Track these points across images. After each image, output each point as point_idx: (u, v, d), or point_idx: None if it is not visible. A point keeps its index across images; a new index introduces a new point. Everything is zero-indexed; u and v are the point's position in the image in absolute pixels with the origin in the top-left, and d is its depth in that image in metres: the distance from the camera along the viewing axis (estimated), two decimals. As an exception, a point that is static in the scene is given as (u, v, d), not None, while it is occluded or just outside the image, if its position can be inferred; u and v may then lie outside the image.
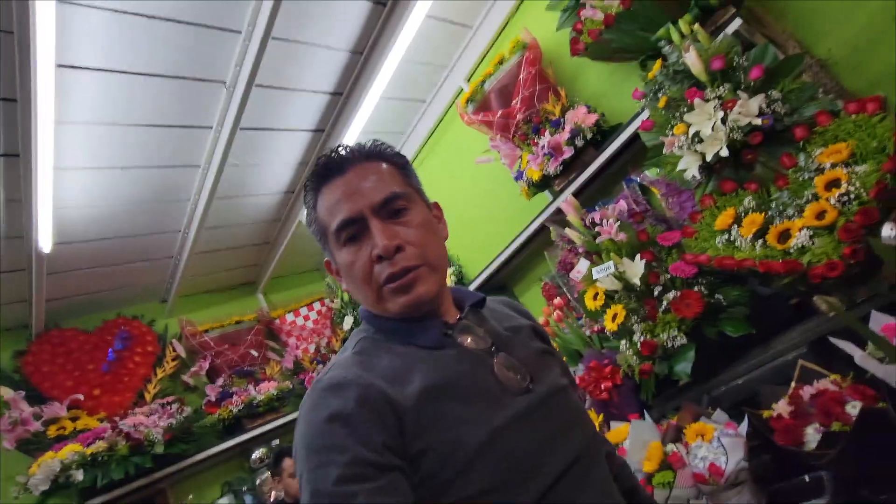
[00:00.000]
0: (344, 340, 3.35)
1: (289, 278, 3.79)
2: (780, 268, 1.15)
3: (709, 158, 1.38)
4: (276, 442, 3.03)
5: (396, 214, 0.72)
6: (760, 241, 1.26)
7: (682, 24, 1.49)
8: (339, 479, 0.55)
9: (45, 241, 2.17)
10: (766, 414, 1.17)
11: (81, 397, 2.60)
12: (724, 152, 1.35)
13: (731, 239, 1.33)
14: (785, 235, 1.22)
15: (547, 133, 2.01)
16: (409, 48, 2.22)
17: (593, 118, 1.93)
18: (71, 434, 2.43)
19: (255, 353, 3.26)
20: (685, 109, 1.43)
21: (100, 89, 1.85)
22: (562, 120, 1.98)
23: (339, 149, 0.75)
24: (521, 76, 2.08)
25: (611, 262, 1.58)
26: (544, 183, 2.07)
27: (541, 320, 2.10)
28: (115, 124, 2.01)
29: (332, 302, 3.53)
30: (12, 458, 2.38)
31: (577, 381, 1.62)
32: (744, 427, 1.25)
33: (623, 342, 1.58)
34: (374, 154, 0.76)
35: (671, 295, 1.48)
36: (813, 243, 1.15)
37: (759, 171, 1.39)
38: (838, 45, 1.49)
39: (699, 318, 1.42)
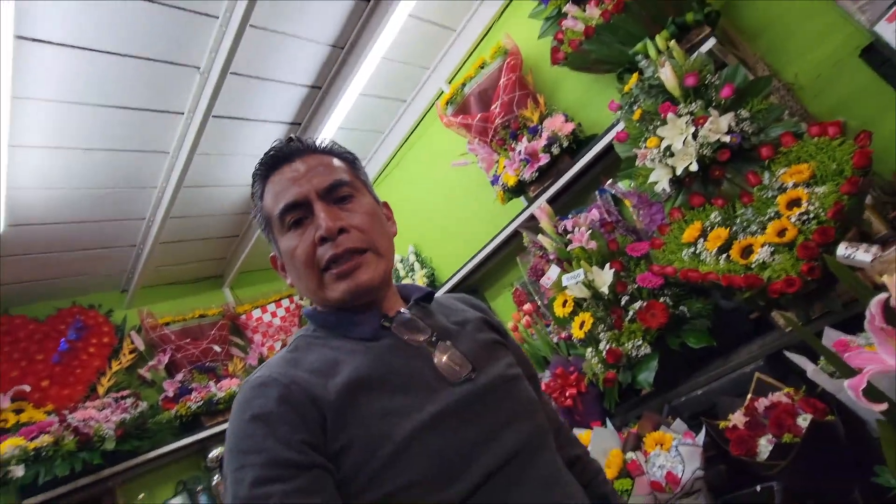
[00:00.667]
0: (311, 339, 3.30)
1: (257, 273, 3.69)
2: (742, 282, 1.18)
3: (679, 172, 1.41)
4: (235, 441, 2.94)
5: (342, 201, 0.72)
6: (724, 256, 1.29)
7: (660, 39, 1.53)
8: (256, 482, 0.55)
9: (-4, 221, 2.06)
10: (722, 424, 1.19)
11: (28, 388, 2.47)
12: (694, 167, 1.38)
13: (697, 252, 1.36)
14: (748, 251, 1.25)
15: (524, 139, 2.02)
16: (392, 46, 2.20)
17: (570, 127, 1.95)
18: (13, 427, 2.30)
19: (217, 348, 3.16)
20: (658, 123, 1.46)
21: (63, 66, 1.77)
22: (539, 127, 2.00)
23: (290, 140, 0.76)
24: (502, 81, 2.09)
25: (581, 270, 1.60)
26: (519, 189, 2.08)
27: (510, 325, 2.11)
28: (78, 103, 1.92)
29: (301, 299, 3.47)
30: (-52, 451, 2.25)
31: (543, 387, 1.63)
32: (701, 437, 1.28)
33: (589, 350, 1.59)
34: (324, 149, 0.77)
35: (637, 305, 1.50)
36: (773, 259, 1.19)
37: (726, 187, 1.43)
38: (804, 71, 1.55)
39: (663, 329, 1.45)
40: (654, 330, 1.45)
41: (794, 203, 1.21)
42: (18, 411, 2.37)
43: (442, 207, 2.77)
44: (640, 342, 1.47)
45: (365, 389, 0.62)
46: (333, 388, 0.61)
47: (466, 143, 2.29)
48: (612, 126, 1.78)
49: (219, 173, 2.64)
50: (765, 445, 1.07)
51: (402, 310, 0.74)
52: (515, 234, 2.18)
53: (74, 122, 1.99)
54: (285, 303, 3.57)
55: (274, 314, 3.50)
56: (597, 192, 1.98)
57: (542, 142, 1.96)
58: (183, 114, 2.16)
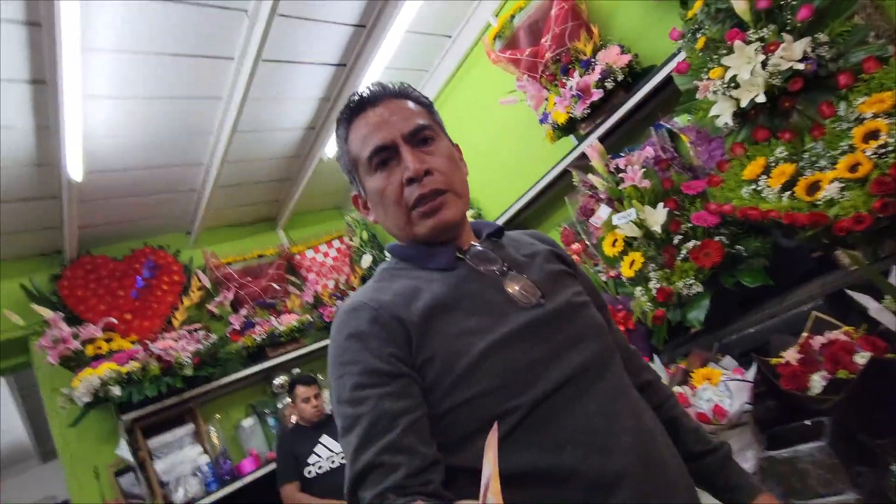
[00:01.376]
0: (363, 278, 3.44)
1: (309, 215, 3.83)
2: (805, 220, 1.14)
3: (744, 105, 1.33)
4: (297, 370, 3.19)
5: (425, 143, 0.77)
6: (788, 193, 1.24)
7: (730, -44, 1.40)
8: (355, 386, 0.65)
9: (75, 169, 2.22)
10: (774, 361, 1.20)
11: (115, 321, 2.75)
12: (761, 98, 1.30)
13: (759, 189, 1.31)
14: (814, 187, 1.20)
15: (576, 73, 1.94)
16: (437, -22, 2.12)
17: (626, 59, 1.85)
18: (107, 354, 2.58)
19: (276, 286, 3.37)
20: (724, 52, 1.37)
21: (123, 16, 1.82)
22: (592, 60, 1.91)
23: (371, 86, 0.80)
24: (553, 11, 1.98)
25: (632, 209, 1.58)
26: (570, 126, 2.03)
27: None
28: (138, 52, 1.99)
29: (352, 240, 3.59)
30: (56, 373, 2.57)
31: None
32: (751, 373, 1.29)
33: (638, 289, 1.60)
34: (403, 93, 0.81)
35: (691, 244, 1.48)
36: (842, 196, 1.14)
37: (796, 119, 1.35)
38: (898, -15, 1.39)
39: (717, 268, 1.43)
40: (707, 269, 1.44)
41: (871, 136, 1.13)
42: (109, 340, 2.65)
43: (489, 147, 2.74)
44: (692, 281, 1.46)
45: (443, 312, 0.69)
46: (416, 311, 0.69)
47: (515, 80, 2.22)
48: (672, 57, 1.68)
49: (270, 118, 2.70)
50: (817, 381, 1.08)
51: (475, 243, 0.80)
52: (564, 174, 2.15)
53: (135, 72, 2.07)
54: (336, 243, 3.71)
55: (326, 254, 3.66)
56: (652, 128, 1.90)
57: (595, 76, 1.88)
58: (233, 59, 2.20)
